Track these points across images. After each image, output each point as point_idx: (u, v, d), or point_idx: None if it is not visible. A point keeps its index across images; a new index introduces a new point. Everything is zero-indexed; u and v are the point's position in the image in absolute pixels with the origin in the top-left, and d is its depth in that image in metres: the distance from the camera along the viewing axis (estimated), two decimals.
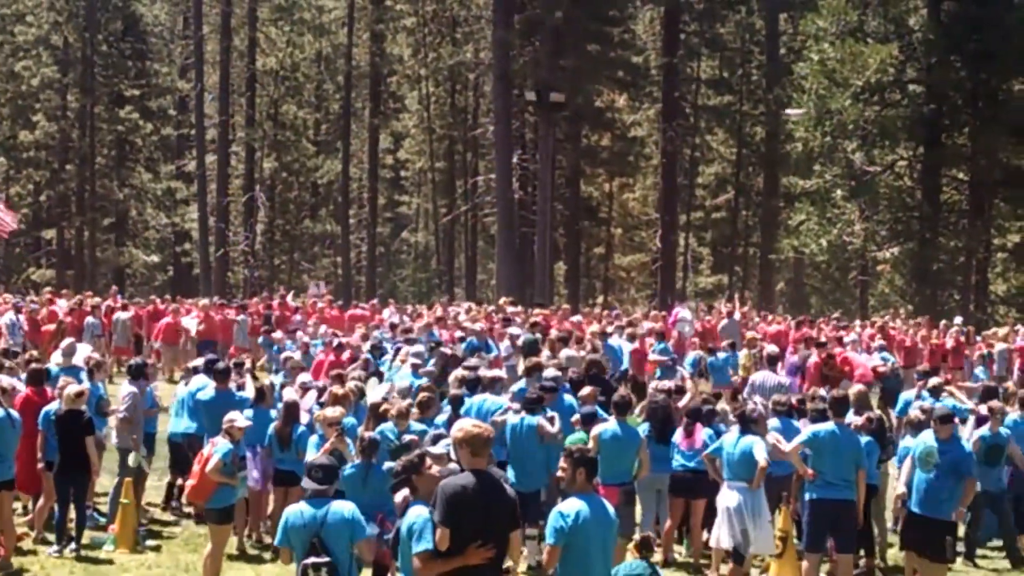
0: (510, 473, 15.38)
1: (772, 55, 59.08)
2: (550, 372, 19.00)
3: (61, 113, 68.46)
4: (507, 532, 9.59)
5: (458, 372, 19.67)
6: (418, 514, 9.20)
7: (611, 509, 10.45)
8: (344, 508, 10.43)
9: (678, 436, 16.24)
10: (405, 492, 9.39)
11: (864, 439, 15.29)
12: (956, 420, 15.00)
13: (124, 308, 34.43)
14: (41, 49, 68.64)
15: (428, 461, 9.69)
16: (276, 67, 69.58)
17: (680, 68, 59.47)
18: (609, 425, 15.42)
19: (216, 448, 14.29)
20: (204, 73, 64.11)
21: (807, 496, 14.69)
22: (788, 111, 50.63)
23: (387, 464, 13.38)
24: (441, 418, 16.26)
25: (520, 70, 54.74)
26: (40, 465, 16.57)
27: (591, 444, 14.97)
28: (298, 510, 10.51)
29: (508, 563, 10.27)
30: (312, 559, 10.26)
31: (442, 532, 9.25)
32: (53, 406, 16.37)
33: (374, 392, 18.42)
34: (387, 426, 15.24)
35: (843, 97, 47.01)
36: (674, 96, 58.59)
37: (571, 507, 10.05)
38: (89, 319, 31.91)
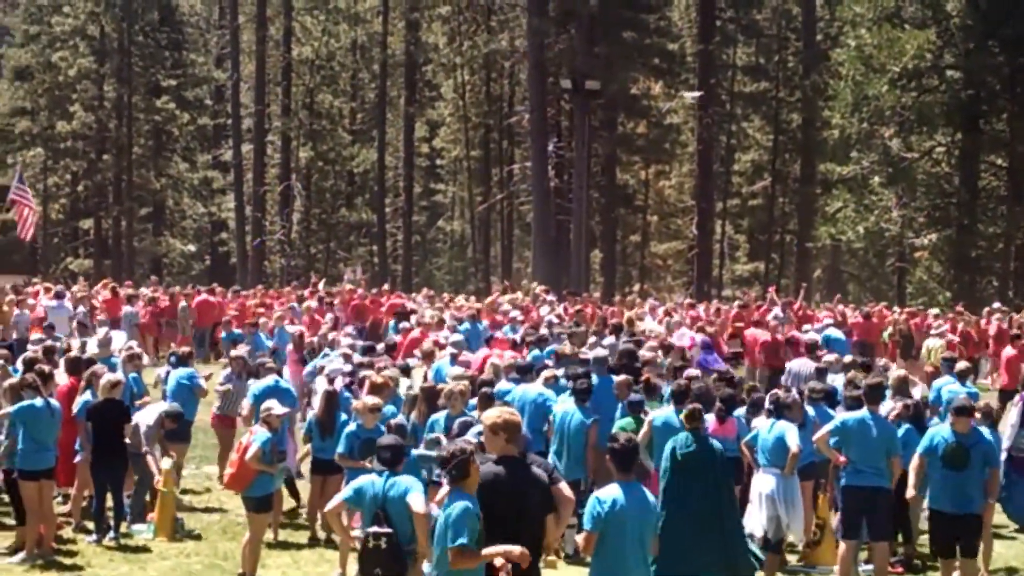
0: (551, 459, 15.52)
1: (808, 41, 58.92)
2: (595, 354, 19.20)
3: (98, 103, 68.72)
4: (542, 516, 9.79)
5: (495, 360, 19.73)
6: (458, 506, 9.24)
7: (652, 498, 10.52)
8: (407, 483, 10.74)
9: (710, 422, 16.10)
10: (446, 489, 9.47)
11: (903, 427, 15.28)
12: (976, 413, 14.76)
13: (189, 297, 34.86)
14: (78, 39, 68.88)
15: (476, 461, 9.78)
16: (312, 56, 69.71)
17: (716, 55, 59.31)
18: (663, 412, 15.50)
19: (255, 436, 14.35)
20: (240, 63, 64.40)
21: (841, 483, 14.69)
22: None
23: (415, 451, 13.46)
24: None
25: (555, 58, 54.71)
26: (78, 457, 16.72)
27: (644, 429, 15.13)
28: (370, 480, 10.94)
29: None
30: (375, 528, 10.64)
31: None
32: (88, 396, 16.54)
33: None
34: (440, 415, 15.33)
35: (880, 83, 46.85)
36: (710, 83, 58.41)
37: (608, 494, 10.14)
38: (127, 308, 32.04)
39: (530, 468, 9.94)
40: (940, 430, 14.37)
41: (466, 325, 26.74)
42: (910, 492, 14.51)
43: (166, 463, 16.95)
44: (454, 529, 9.13)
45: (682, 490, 12.55)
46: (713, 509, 12.56)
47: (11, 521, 16.35)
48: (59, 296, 30.51)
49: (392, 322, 27.68)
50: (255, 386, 17.79)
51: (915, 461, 14.42)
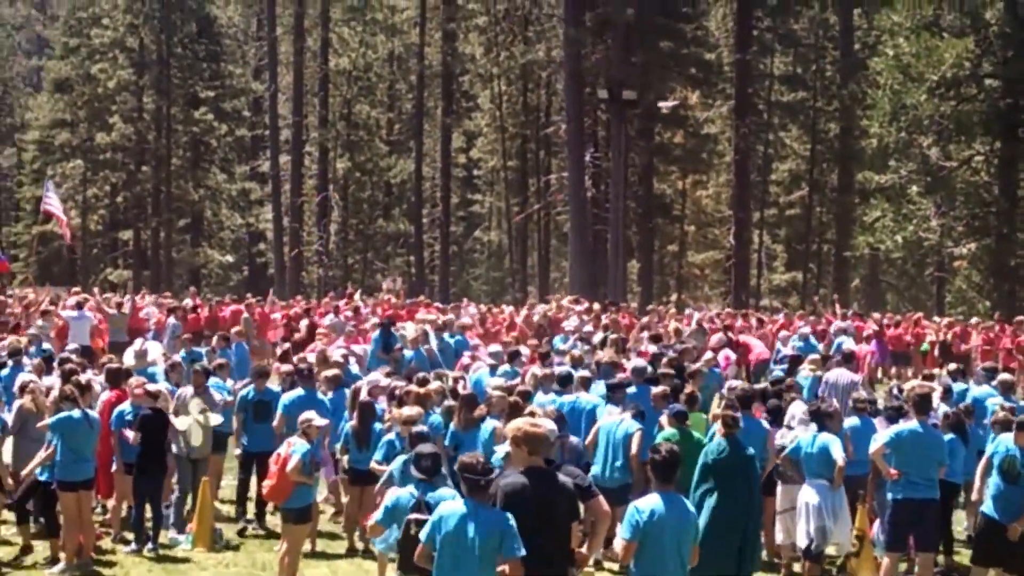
0: (595, 469, 15.58)
1: (846, 50, 58.64)
2: (634, 364, 19.21)
3: (137, 115, 69.13)
4: (568, 523, 9.95)
5: (535, 369, 19.71)
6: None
7: (691, 508, 10.52)
8: (450, 494, 10.75)
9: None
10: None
11: (947, 436, 15.19)
12: None
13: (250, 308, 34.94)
14: (117, 52, 69.37)
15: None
16: (349, 67, 69.87)
17: (753, 64, 59.12)
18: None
19: (294, 448, 14.32)
20: (278, 74, 64.62)
21: (890, 496, 14.59)
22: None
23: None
24: None
25: (592, 68, 54.62)
26: (114, 467, 16.77)
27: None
28: (406, 494, 10.99)
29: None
30: (416, 515, 10.67)
31: None
32: (126, 406, 16.60)
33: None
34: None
35: (918, 92, 46.63)
36: (747, 92, 58.25)
37: (648, 503, 10.15)
38: (170, 320, 32.06)
39: (555, 476, 10.04)
40: (1005, 439, 14.30)
41: (459, 337, 26.98)
42: (975, 496, 14.64)
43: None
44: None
45: (709, 494, 12.58)
46: (739, 515, 12.59)
47: (11, 535, 16.59)
48: (79, 306, 30.47)
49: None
50: (285, 397, 17.75)
51: (982, 465, 14.56)
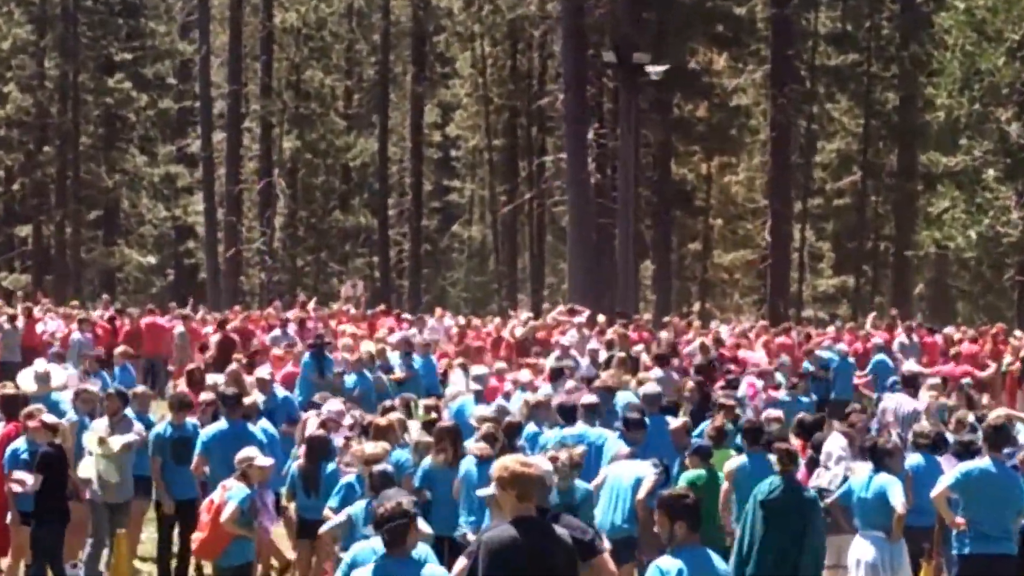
0: (599, 518, 15.61)
1: (907, 4, 58.82)
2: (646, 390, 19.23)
3: (37, 83, 68.93)
4: None
5: (527, 396, 19.71)
6: None
7: (721, 565, 10.55)
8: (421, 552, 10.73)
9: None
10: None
11: None
12: None
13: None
14: (13, 6, 69.17)
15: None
16: (298, 24, 69.75)
17: (794, 20, 59.23)
18: (736, 460, 15.52)
19: (229, 493, 14.31)
20: (210, 32, 64.53)
21: (956, 550, 14.57)
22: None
23: None
24: None
25: (596, 25, 54.71)
26: (9, 518, 16.72)
27: (725, 483, 15.13)
28: (369, 548, 10.89)
29: None
30: None
31: None
32: (20, 443, 16.53)
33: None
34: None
35: (995, 55, 46.73)
36: (786, 55, 58.34)
37: (670, 565, 10.14)
38: (75, 335, 32.01)
39: (551, 528, 10.01)
40: None
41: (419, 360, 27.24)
42: None
43: None
44: None
45: (756, 540, 12.61)
46: (789, 564, 12.62)
47: None
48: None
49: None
50: (205, 432, 17.68)
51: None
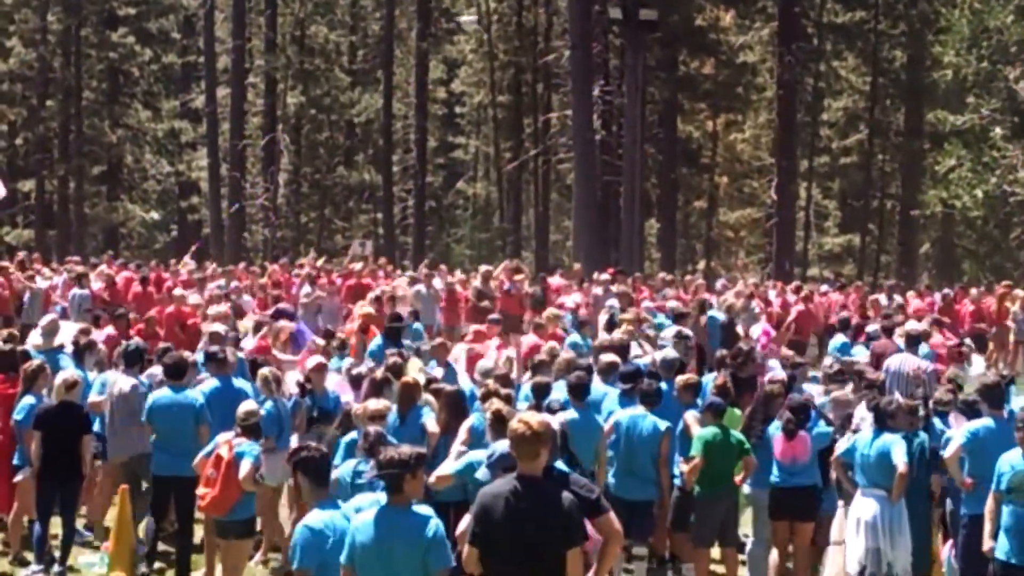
0: (611, 479, 15.68)
1: None
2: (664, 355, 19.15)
3: (40, 37, 68.74)
4: (559, 551, 9.65)
5: (567, 354, 19.50)
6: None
7: None
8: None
9: (776, 443, 15.81)
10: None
11: None
12: None
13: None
14: None
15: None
16: None
17: None
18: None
19: (241, 450, 14.28)
20: None
21: (964, 511, 14.55)
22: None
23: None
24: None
25: None
26: (19, 476, 16.77)
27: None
28: (374, 497, 10.86)
29: None
30: None
31: (469, 551, 9.56)
32: (32, 400, 16.52)
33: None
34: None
35: (1004, 12, 46.65)
36: (793, 12, 58.20)
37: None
38: (76, 290, 31.99)
39: (550, 490, 9.84)
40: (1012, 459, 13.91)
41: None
42: (986, 544, 13.90)
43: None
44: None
45: None
46: None
47: None
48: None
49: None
50: (201, 387, 17.37)
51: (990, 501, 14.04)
